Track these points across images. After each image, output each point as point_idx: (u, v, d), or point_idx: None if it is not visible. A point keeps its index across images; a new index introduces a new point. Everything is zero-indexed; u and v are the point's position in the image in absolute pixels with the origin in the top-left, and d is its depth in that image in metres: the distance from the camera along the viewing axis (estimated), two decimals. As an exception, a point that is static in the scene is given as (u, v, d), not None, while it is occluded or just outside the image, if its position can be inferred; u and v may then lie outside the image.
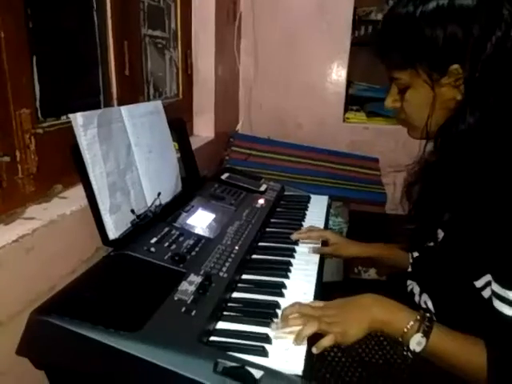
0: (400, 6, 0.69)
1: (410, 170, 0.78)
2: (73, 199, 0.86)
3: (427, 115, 0.70)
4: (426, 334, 0.64)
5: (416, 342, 0.64)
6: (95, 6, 1.04)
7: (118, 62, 1.12)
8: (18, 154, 0.76)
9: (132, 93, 1.21)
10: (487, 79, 0.63)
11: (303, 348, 0.65)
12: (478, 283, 0.66)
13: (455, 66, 0.65)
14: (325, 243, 1.03)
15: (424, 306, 0.76)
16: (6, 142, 0.73)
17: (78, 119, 0.76)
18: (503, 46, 0.62)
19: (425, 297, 0.76)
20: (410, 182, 0.78)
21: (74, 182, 0.90)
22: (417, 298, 0.79)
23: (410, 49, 0.68)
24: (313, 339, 0.66)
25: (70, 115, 0.76)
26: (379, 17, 2.13)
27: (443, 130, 0.70)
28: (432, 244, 0.75)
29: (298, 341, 0.65)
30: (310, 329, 0.65)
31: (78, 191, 0.85)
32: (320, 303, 0.73)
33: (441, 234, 0.73)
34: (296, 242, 1.02)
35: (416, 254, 0.82)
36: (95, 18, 1.05)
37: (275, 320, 0.70)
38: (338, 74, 2.07)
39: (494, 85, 0.64)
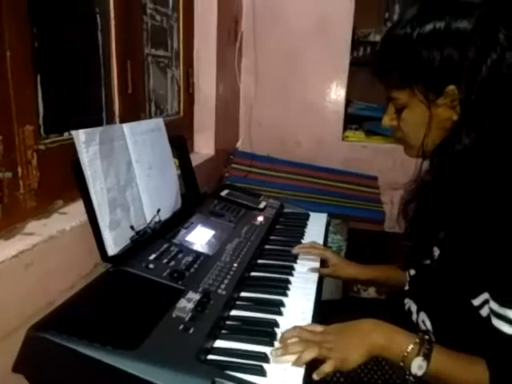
0: (398, 28, 0.70)
1: (407, 188, 0.79)
2: (73, 215, 0.86)
3: (423, 135, 0.71)
4: (427, 357, 0.64)
5: (417, 366, 0.64)
6: (100, 26, 1.07)
7: (120, 80, 1.14)
8: (19, 169, 0.77)
9: (134, 110, 1.22)
10: (483, 101, 0.65)
11: (301, 368, 0.64)
12: (476, 301, 0.66)
13: (451, 87, 0.66)
14: (324, 262, 1.03)
15: (422, 324, 0.76)
16: (8, 158, 0.74)
17: (80, 136, 0.77)
18: (498, 68, 0.63)
19: (422, 315, 0.76)
20: (407, 200, 0.79)
21: (74, 198, 0.91)
22: (414, 317, 0.78)
23: (406, 69, 0.69)
24: (312, 362, 0.65)
25: (73, 132, 0.77)
26: (377, 38, 2.17)
27: (439, 149, 0.71)
28: (428, 262, 0.75)
29: (297, 364, 0.64)
30: (310, 354, 0.64)
31: (78, 207, 0.86)
32: (319, 328, 0.72)
33: (437, 251, 0.73)
34: (295, 260, 1.02)
35: (413, 272, 0.82)
36: (99, 38, 1.07)
37: (275, 345, 0.69)
38: (337, 93, 2.10)
39: (490, 107, 0.65)
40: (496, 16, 0.64)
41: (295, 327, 0.71)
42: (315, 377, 0.64)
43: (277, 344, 0.69)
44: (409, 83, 0.70)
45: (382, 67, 0.74)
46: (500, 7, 0.65)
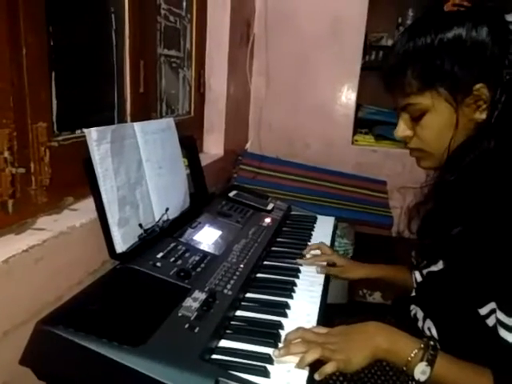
0: (419, 32, 0.69)
1: (424, 188, 0.78)
2: (83, 211, 0.87)
3: (447, 138, 0.69)
4: (431, 363, 0.63)
5: (420, 372, 0.63)
6: (114, 26, 1.08)
7: (133, 79, 1.15)
8: (32, 165, 0.79)
9: (145, 110, 1.23)
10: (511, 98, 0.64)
11: (305, 370, 0.64)
12: (482, 311, 0.65)
13: (479, 85, 0.66)
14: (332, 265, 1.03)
15: (427, 331, 0.75)
16: (22, 154, 0.75)
17: (92, 134, 0.78)
18: None
19: (428, 323, 0.76)
20: (421, 201, 0.77)
21: (84, 195, 0.92)
22: (420, 324, 0.78)
23: (429, 73, 0.68)
24: (315, 364, 0.65)
25: (85, 130, 0.78)
26: (390, 42, 2.17)
27: (465, 148, 0.69)
28: (435, 269, 0.75)
29: (300, 366, 0.64)
30: (313, 355, 0.64)
31: (89, 204, 0.87)
32: (323, 329, 0.72)
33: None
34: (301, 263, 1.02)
35: (420, 279, 0.81)
36: (113, 38, 1.09)
37: (279, 346, 0.69)
38: (348, 96, 2.10)
39: None
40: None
41: (299, 328, 0.71)
42: (317, 377, 0.64)
43: (281, 346, 0.69)
44: (433, 85, 0.68)
45: (398, 75, 0.71)
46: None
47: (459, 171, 0.69)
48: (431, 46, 0.67)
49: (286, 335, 0.70)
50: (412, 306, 0.83)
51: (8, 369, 0.65)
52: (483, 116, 0.67)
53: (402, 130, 0.75)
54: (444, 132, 0.70)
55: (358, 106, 2.18)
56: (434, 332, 0.74)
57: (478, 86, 0.66)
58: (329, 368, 0.64)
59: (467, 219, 0.67)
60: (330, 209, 1.74)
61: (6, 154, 0.71)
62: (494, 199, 0.63)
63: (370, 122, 2.25)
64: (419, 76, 0.69)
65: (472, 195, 0.66)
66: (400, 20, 2.27)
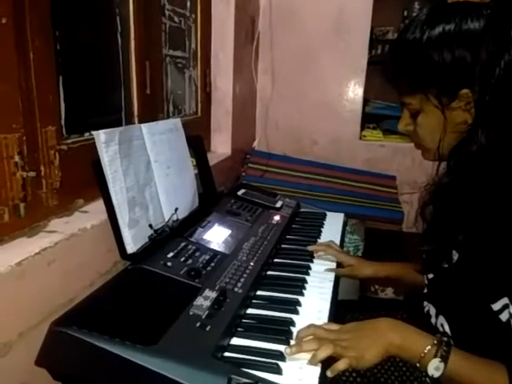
0: (408, 32, 0.69)
1: (424, 191, 0.78)
2: (93, 213, 0.88)
3: (439, 138, 0.70)
4: (444, 359, 0.63)
5: (434, 367, 0.63)
6: (120, 28, 1.09)
7: (139, 81, 1.16)
8: (42, 169, 0.79)
9: (152, 111, 1.24)
10: (497, 102, 0.63)
11: (317, 367, 0.64)
12: (495, 306, 0.64)
13: (465, 91, 0.65)
14: (340, 265, 1.02)
15: (440, 328, 0.75)
16: (32, 158, 0.76)
17: (100, 136, 0.79)
18: None
19: (441, 319, 0.75)
20: (424, 202, 0.77)
21: (94, 197, 0.93)
22: (433, 320, 0.77)
23: (418, 74, 0.69)
24: (328, 361, 0.65)
25: (93, 132, 0.79)
26: (396, 36, 2.14)
27: (455, 151, 0.70)
28: (447, 266, 0.74)
29: (312, 363, 0.64)
30: (325, 352, 0.64)
31: (99, 205, 0.87)
32: (335, 326, 0.72)
33: (455, 255, 0.72)
34: (311, 260, 1.02)
35: (431, 276, 0.81)
36: (119, 40, 1.09)
37: (291, 343, 0.69)
38: (355, 92, 2.08)
39: (505, 107, 0.63)
40: (507, 16, 0.63)
41: (310, 325, 0.71)
42: (329, 374, 0.64)
43: (293, 343, 0.69)
44: (421, 88, 0.69)
45: (394, 73, 0.74)
46: (511, 7, 0.63)
47: (453, 173, 0.70)
48: (419, 44, 0.67)
49: (298, 332, 0.70)
50: (425, 303, 0.82)
51: (25, 369, 0.66)
52: (471, 119, 0.67)
53: (403, 124, 0.77)
54: (436, 132, 0.71)
55: (365, 101, 2.16)
56: (447, 328, 0.73)
57: (464, 91, 0.66)
58: (341, 365, 0.64)
59: (470, 220, 0.67)
60: (339, 205, 1.73)
61: (17, 158, 0.72)
62: (496, 196, 0.63)
63: (378, 117, 2.23)
64: (409, 78, 0.70)
65: (469, 196, 0.66)
66: (406, 13, 2.24)
